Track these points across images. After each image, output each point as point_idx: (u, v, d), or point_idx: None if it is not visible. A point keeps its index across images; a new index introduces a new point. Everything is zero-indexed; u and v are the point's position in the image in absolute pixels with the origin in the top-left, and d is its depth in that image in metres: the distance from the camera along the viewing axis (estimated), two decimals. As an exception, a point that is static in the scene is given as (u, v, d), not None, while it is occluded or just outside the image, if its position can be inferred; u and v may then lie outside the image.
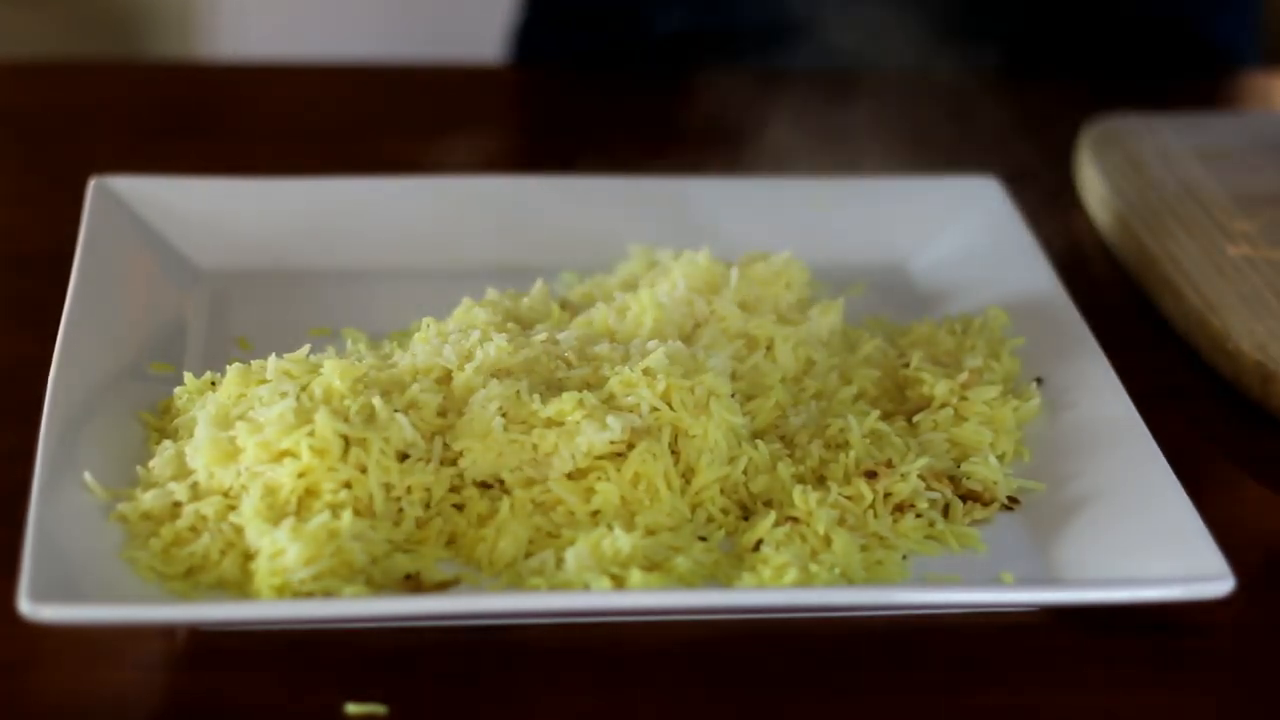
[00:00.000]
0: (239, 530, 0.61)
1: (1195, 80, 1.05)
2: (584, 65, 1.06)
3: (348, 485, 0.62)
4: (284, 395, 0.63)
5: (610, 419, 0.63)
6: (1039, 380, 0.72)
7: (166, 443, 0.65)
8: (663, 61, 1.06)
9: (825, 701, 0.59)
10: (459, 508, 0.64)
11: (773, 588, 0.61)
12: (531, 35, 1.14)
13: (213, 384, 0.67)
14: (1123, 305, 0.83)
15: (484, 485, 0.64)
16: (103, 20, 1.68)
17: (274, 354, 0.66)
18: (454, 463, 0.64)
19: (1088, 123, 0.94)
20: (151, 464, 0.64)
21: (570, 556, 0.61)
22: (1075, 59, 1.05)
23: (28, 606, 0.55)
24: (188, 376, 0.68)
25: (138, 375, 0.70)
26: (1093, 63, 1.05)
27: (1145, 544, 0.62)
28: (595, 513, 0.64)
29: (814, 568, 0.61)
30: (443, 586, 0.61)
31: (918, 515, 0.65)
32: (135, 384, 0.69)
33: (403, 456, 0.64)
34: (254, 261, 0.80)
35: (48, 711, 0.57)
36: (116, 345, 0.70)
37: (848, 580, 0.62)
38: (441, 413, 0.65)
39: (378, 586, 0.60)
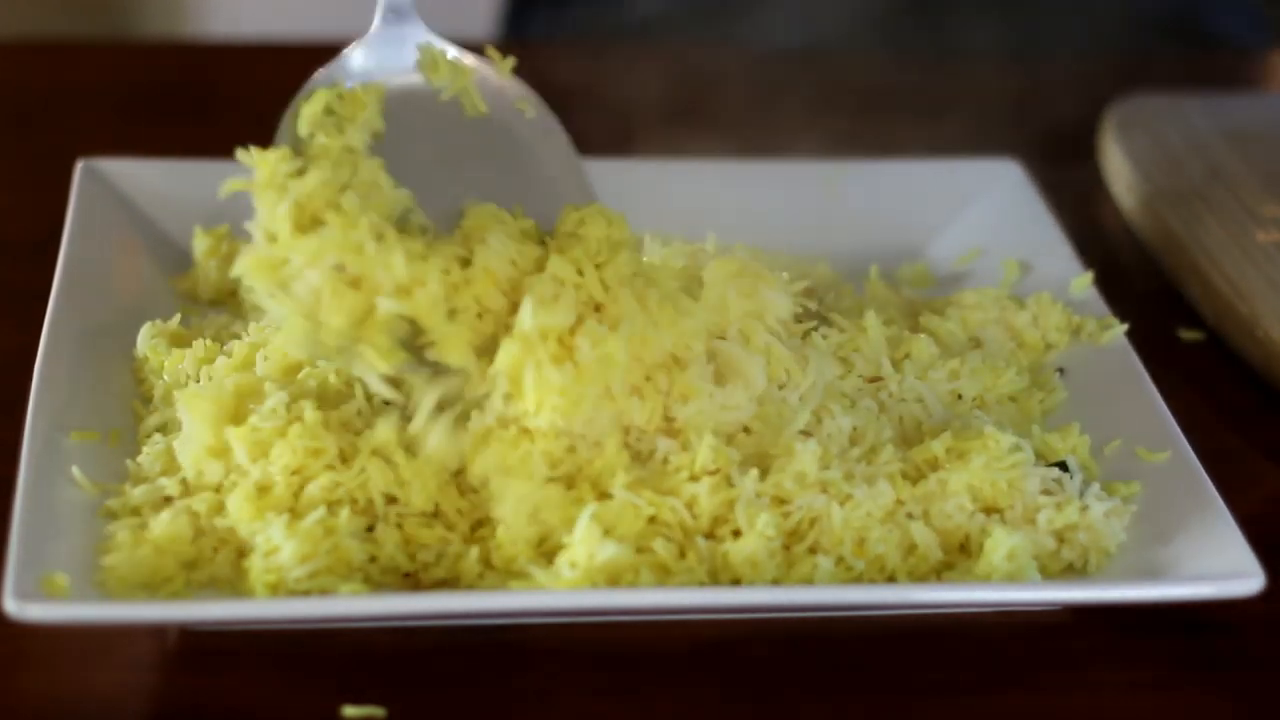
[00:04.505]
0: (232, 527, 0.60)
1: (1220, 61, 1.04)
2: (574, 42, 1.06)
3: (344, 482, 0.61)
4: (277, 389, 0.62)
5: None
6: (1061, 370, 0.71)
7: (156, 436, 0.64)
8: (653, 39, 1.06)
9: (841, 702, 0.58)
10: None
11: (785, 586, 0.59)
12: (522, 14, 1.14)
13: (207, 377, 0.65)
14: (1148, 292, 0.82)
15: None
16: (90, -2, 1.67)
17: (262, 352, 0.65)
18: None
19: (1112, 102, 0.93)
20: (141, 458, 0.63)
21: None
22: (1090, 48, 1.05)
23: (13, 606, 0.54)
24: (177, 368, 0.67)
25: (127, 366, 0.68)
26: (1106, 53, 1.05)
27: (1172, 540, 0.61)
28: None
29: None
30: (443, 585, 0.60)
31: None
32: (124, 375, 0.68)
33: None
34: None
35: (35, 714, 0.57)
36: (105, 334, 0.69)
37: (863, 578, 0.61)
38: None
39: (376, 585, 0.59)
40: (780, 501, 0.61)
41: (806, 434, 0.62)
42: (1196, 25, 1.09)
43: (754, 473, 0.60)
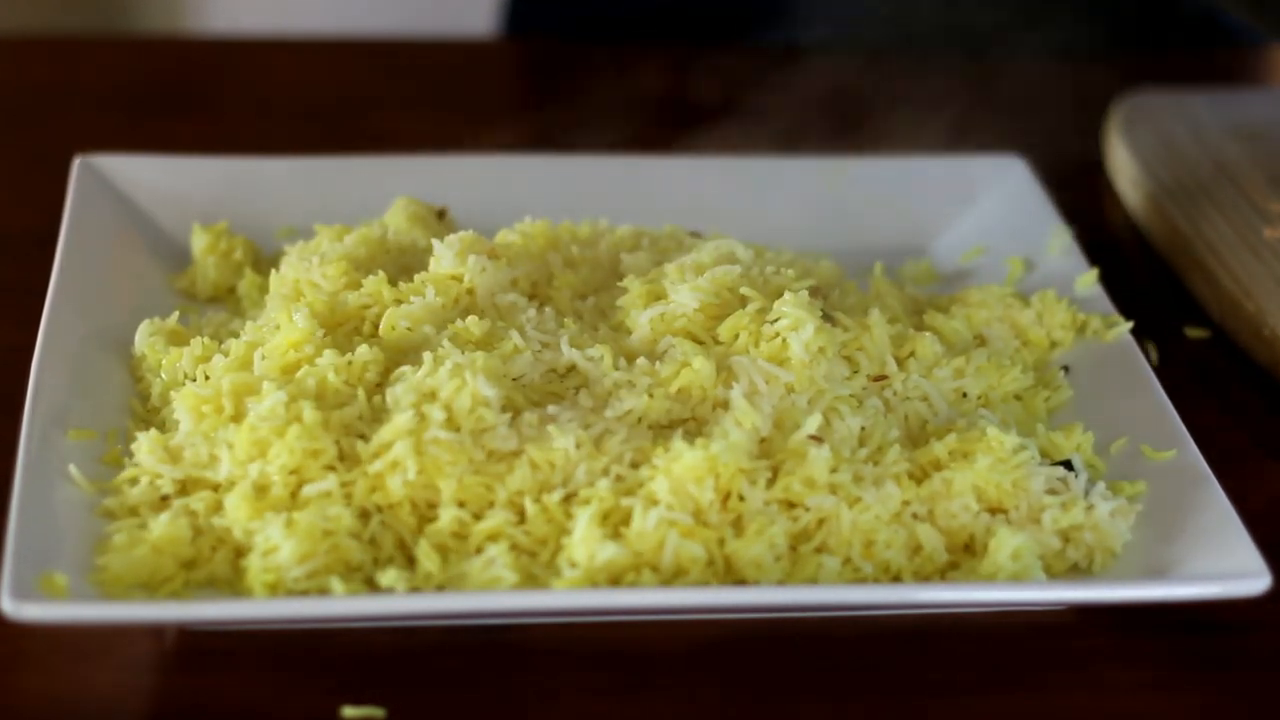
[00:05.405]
0: (230, 527, 0.60)
1: (1226, 56, 1.04)
2: (578, 37, 1.05)
3: (343, 482, 0.60)
4: (275, 388, 0.62)
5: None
6: (1066, 368, 0.70)
7: (154, 434, 0.63)
8: (656, 34, 1.06)
9: (841, 702, 0.58)
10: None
11: (788, 585, 0.59)
12: (522, 5, 1.14)
13: (204, 376, 0.65)
14: (1154, 289, 0.82)
15: None
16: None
17: (260, 350, 0.65)
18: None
19: (1118, 99, 0.93)
20: (139, 457, 0.62)
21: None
22: (1101, 41, 1.05)
23: (10, 605, 0.54)
24: (175, 366, 0.66)
25: (124, 363, 0.68)
26: (1117, 45, 1.05)
27: (1177, 539, 0.61)
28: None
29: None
30: (442, 584, 0.59)
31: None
32: (122, 373, 0.68)
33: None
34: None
35: (34, 714, 0.56)
36: (102, 332, 0.69)
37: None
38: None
39: (375, 584, 0.59)
40: (789, 505, 0.61)
41: (817, 439, 0.61)
42: (1212, 18, 1.08)
43: (762, 481, 0.60)
